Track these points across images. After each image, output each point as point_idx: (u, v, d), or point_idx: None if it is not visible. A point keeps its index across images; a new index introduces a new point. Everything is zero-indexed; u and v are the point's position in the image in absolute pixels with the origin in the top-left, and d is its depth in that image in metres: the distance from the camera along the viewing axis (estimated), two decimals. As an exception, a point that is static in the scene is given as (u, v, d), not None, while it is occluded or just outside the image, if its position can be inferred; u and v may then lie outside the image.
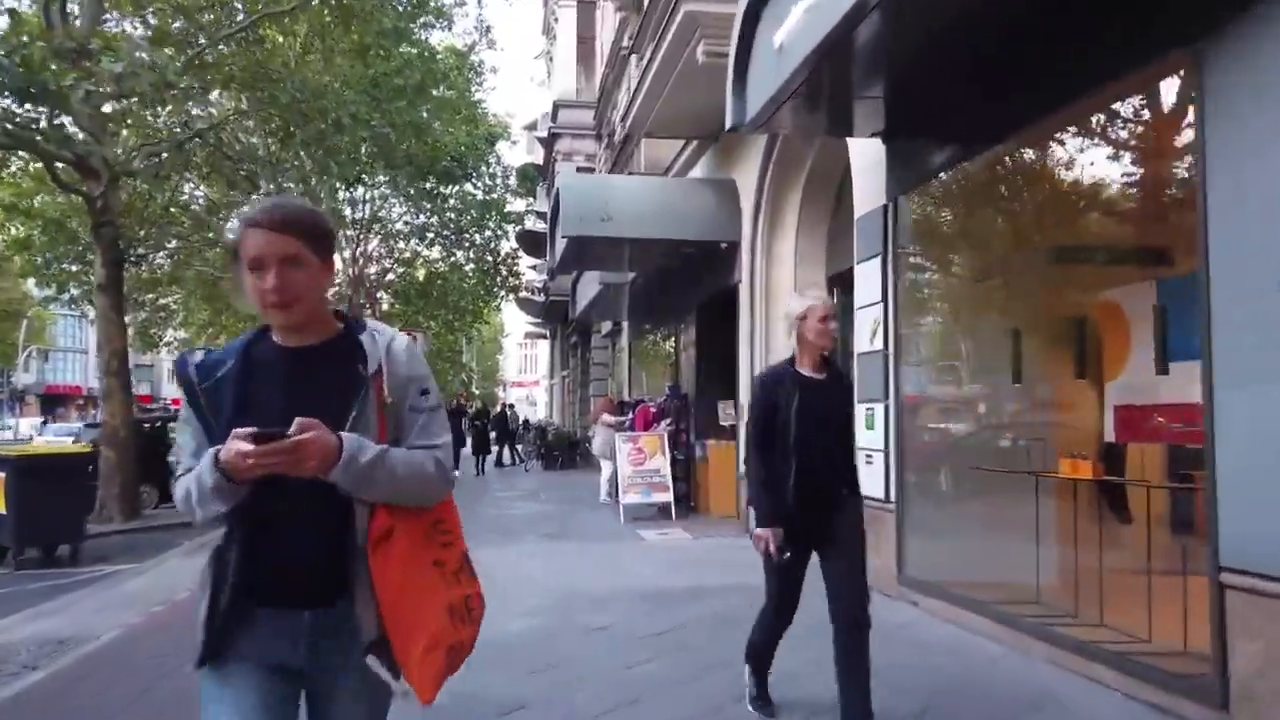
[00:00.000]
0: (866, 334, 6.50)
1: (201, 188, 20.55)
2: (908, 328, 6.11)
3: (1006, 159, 5.53)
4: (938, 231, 6.26)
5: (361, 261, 27.83)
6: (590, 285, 14.97)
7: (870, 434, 6.40)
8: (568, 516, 11.52)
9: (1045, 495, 4.85)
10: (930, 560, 5.89)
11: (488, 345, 66.27)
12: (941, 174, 5.89)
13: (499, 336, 69.06)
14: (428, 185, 19.81)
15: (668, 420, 11.90)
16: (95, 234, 12.07)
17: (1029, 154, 5.38)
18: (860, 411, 6.56)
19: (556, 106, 21.89)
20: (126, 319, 37.75)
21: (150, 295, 29.16)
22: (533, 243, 34.52)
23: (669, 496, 10.73)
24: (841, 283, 9.15)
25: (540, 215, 34.63)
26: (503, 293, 27.25)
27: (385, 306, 33.67)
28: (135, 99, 12.87)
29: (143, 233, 14.85)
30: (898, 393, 6.09)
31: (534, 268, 36.37)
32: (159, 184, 15.36)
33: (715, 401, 11.36)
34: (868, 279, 6.50)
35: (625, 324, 17.20)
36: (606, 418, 12.89)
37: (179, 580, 7.22)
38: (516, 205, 30.98)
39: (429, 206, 23.77)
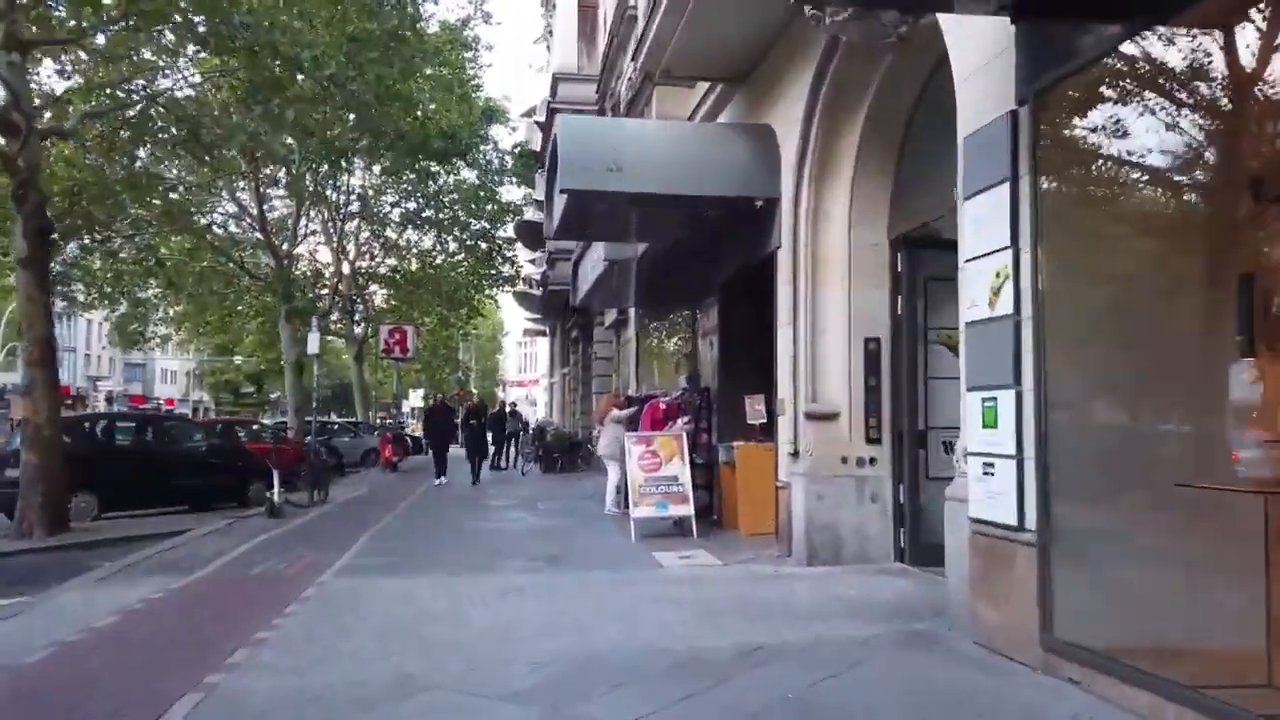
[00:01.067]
0: (981, 294, 4.63)
1: (167, 163, 18.73)
2: (1057, 280, 4.23)
3: (1215, 32, 3.65)
4: (1099, 145, 4.38)
5: (352, 254, 26.07)
6: (593, 268, 13.10)
7: (989, 433, 4.53)
8: (568, 533, 9.65)
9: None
10: (1097, 616, 4.02)
11: (487, 344, 64.53)
12: (1108, 58, 4.02)
13: (498, 335, 67.31)
14: (418, 166, 17.99)
15: (685, 418, 10.02)
16: (15, 200, 10.20)
17: (1258, 21, 3.50)
18: (972, 402, 4.68)
19: (556, 80, 20.02)
20: (103, 315, 35.85)
21: (127, 289, 27.47)
22: (532, 234, 32.76)
23: (689, 509, 8.86)
24: (909, 246, 7.31)
25: (539, 204, 32.87)
26: (500, 282, 25.44)
27: (379, 301, 31.93)
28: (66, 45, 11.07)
29: (77, 204, 12.93)
30: (1041, 375, 4.21)
31: (532, 261, 34.58)
32: (109, 152, 13.57)
33: (741, 396, 9.50)
34: (984, 218, 4.62)
35: (632, 311, 15.33)
36: (616, 414, 11.02)
37: (58, 626, 5.35)
38: (514, 195, 29.29)
39: (420, 192, 21.99)
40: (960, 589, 4.94)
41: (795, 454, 7.56)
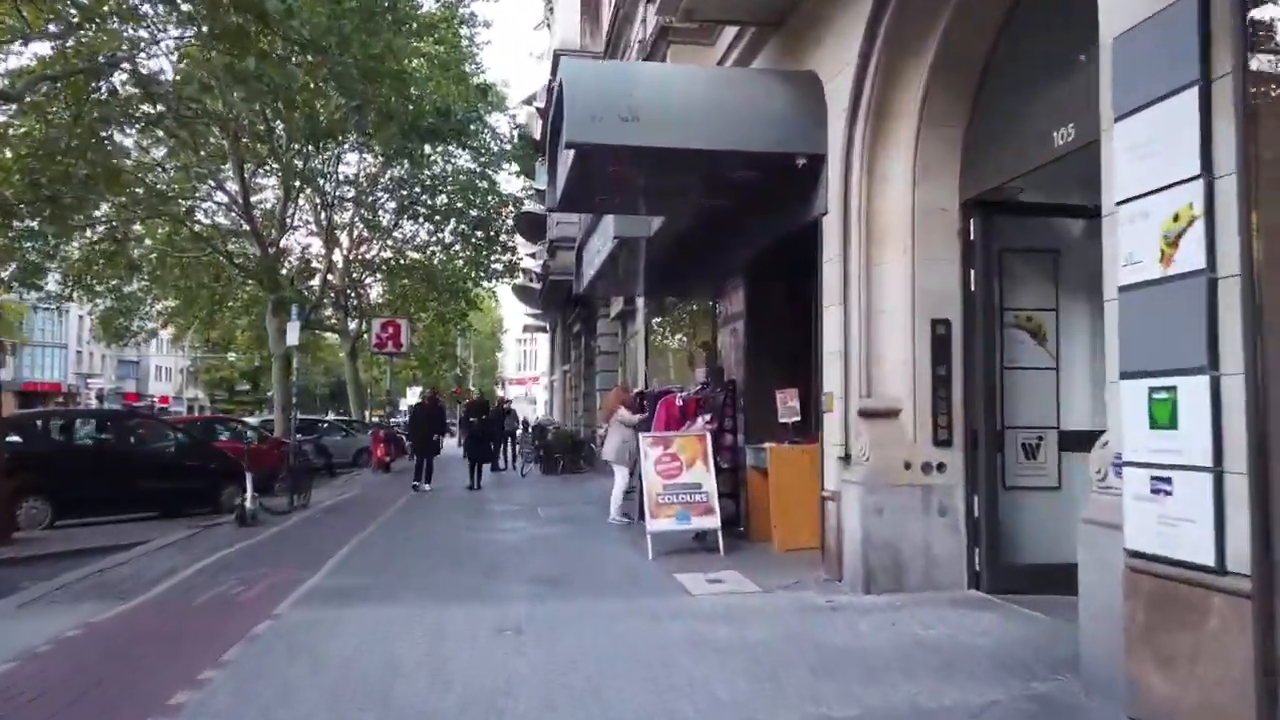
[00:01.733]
0: (1146, 246, 3.38)
1: (144, 144, 17.49)
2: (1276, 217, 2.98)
3: None
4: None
5: (345, 245, 24.80)
6: (599, 251, 11.85)
7: (1163, 436, 3.28)
8: (572, 547, 8.41)
9: None
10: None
11: (486, 341, 63.25)
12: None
13: (497, 332, 66.01)
14: (410, 148, 16.70)
15: (705, 416, 8.77)
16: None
17: None
18: (1130, 393, 3.44)
19: (558, 56, 18.72)
20: (85, 309, 34.29)
21: (113, 281, 26.26)
22: (532, 227, 31.52)
23: (715, 522, 7.61)
24: (984, 211, 6.07)
25: (539, 194, 31.58)
26: (498, 270, 24.21)
27: (375, 295, 30.64)
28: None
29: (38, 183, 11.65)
30: (1256, 355, 2.95)
31: (532, 255, 33.34)
32: (74, 129, 12.28)
33: (771, 390, 8.26)
34: (1153, 141, 3.37)
35: (640, 301, 14.08)
36: (623, 414, 9.77)
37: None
38: (513, 186, 28.01)
39: (415, 179, 20.71)
40: (1103, 641, 3.69)
41: (846, 458, 6.32)
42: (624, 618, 5.40)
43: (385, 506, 11.95)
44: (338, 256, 26.51)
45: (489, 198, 22.04)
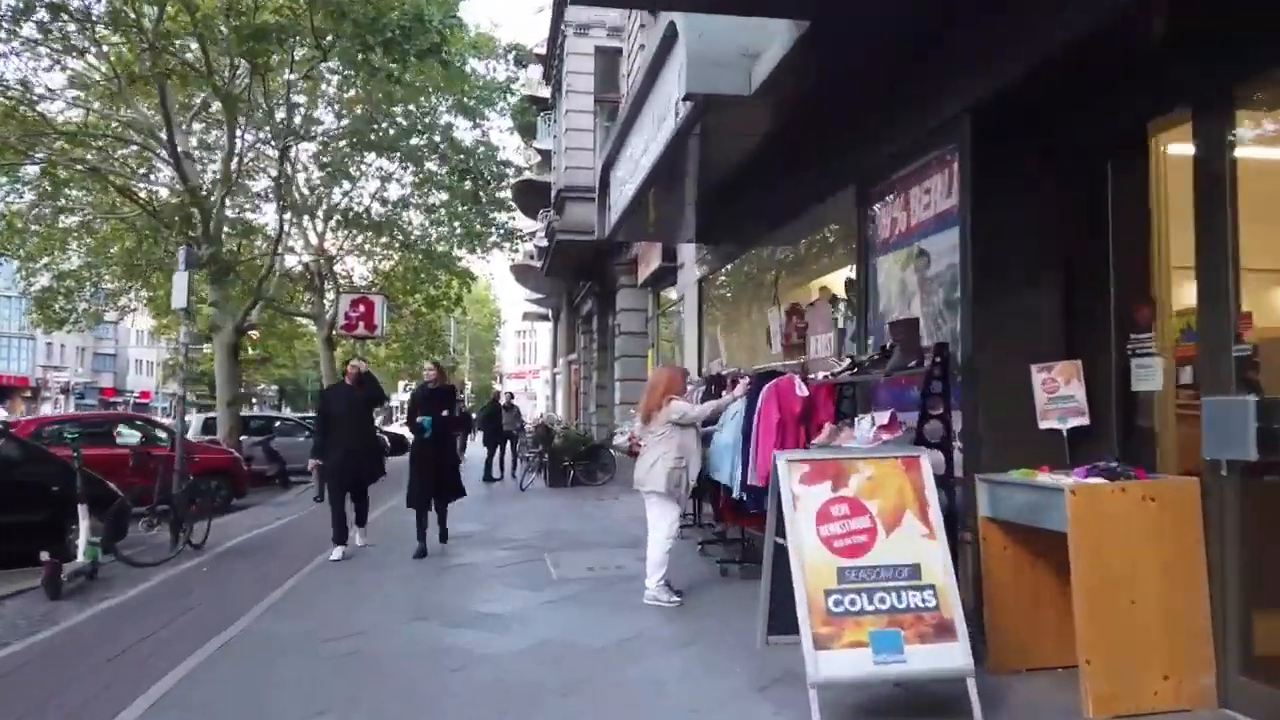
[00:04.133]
0: None
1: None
2: None
3: None
4: None
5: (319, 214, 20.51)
6: (638, 163, 7.55)
7: None
8: (632, 686, 4.11)
9: None
10: None
11: (483, 334, 58.95)
12: None
13: (495, 325, 61.68)
14: (371, 59, 12.39)
15: (874, 418, 4.44)
16: None
17: None
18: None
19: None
20: (16, 290, 29.81)
21: (46, 258, 22.00)
22: (532, 197, 27.23)
23: (959, 656, 3.34)
24: None
25: (543, 154, 27.27)
26: (492, 236, 19.95)
27: (358, 277, 26.20)
28: None
29: None
30: None
31: (532, 235, 29.07)
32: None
33: (1015, 368, 4.05)
34: None
35: (690, 252, 9.76)
36: (680, 408, 5.48)
37: None
38: (510, 150, 23.63)
39: (381, 112, 16.35)
40: None
41: None
42: None
43: (315, 550, 7.67)
44: (313, 234, 22.36)
45: (479, 149, 17.76)
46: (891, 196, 5.07)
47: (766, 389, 5.44)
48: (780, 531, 3.72)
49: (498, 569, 6.99)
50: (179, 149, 14.10)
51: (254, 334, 29.91)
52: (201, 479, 9.01)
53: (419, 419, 7.42)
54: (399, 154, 16.05)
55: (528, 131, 25.72)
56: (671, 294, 11.95)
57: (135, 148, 16.22)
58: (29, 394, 49.60)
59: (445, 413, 7.52)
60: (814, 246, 7.11)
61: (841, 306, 6.02)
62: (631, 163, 7.75)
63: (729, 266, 9.27)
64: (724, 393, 6.44)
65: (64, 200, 18.59)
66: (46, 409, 47.60)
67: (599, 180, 8.76)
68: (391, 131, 15.28)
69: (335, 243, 23.47)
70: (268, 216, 20.48)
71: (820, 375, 5.06)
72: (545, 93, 25.42)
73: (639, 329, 13.76)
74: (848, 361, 4.81)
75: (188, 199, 13.63)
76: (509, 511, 11.13)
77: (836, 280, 6.49)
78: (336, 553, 7.24)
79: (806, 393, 5.31)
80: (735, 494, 5.49)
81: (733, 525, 6.27)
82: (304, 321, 27.43)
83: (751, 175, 6.91)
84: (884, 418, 4.29)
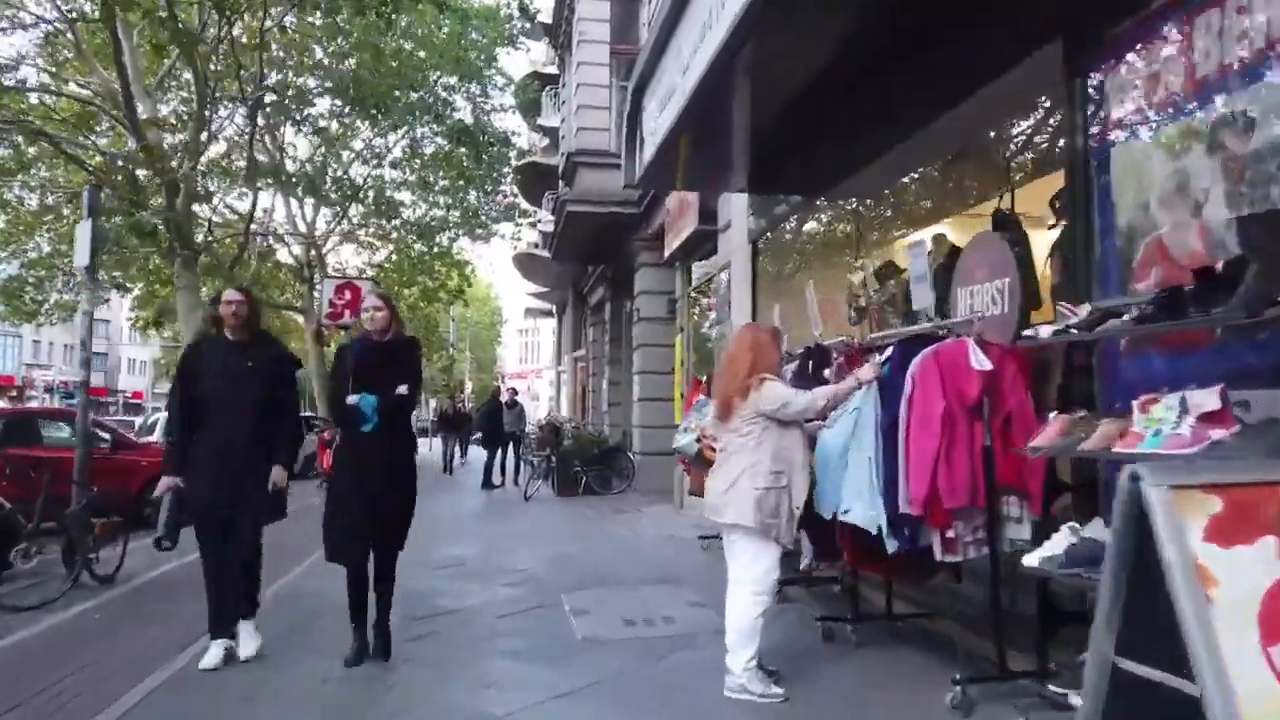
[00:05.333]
0: None
1: None
2: None
3: None
4: None
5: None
6: (673, 98, 5.56)
7: None
8: None
9: None
10: None
11: (484, 333, 56.93)
12: None
13: (496, 324, 59.66)
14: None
15: (1193, 400, 2.45)
16: None
17: None
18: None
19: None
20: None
21: (13, 244, 20.08)
22: (535, 182, 25.24)
23: None
24: None
25: (548, 135, 25.22)
26: (492, 212, 17.99)
27: (353, 268, 24.12)
28: None
29: None
30: None
31: (535, 224, 27.08)
32: None
33: None
34: None
35: (744, 205, 7.72)
36: (778, 394, 3.47)
37: None
38: (511, 133, 21.62)
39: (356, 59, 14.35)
40: None
41: None
42: None
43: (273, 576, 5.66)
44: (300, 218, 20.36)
45: (478, 112, 15.77)
46: (1147, 44, 3.06)
47: (920, 362, 3.43)
48: (1141, 647, 1.67)
49: (498, 620, 4.97)
50: (140, 112, 12.13)
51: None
52: (108, 492, 6.96)
53: (353, 398, 3.92)
54: (385, 114, 13.92)
55: (531, 110, 23.68)
56: (703, 269, 9.93)
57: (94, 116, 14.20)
58: (14, 393, 47.49)
59: (403, 389, 3.98)
60: (954, 168, 5.10)
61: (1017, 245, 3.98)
62: (668, 86, 5.78)
63: (791, 222, 7.26)
64: (826, 373, 4.43)
65: (24, 178, 16.71)
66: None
67: (629, 107, 6.76)
68: (381, 87, 13.22)
69: (326, 229, 21.54)
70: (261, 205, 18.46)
71: (1040, 332, 2.99)
72: (552, 71, 23.47)
73: (663, 313, 11.75)
74: (1085, 311, 2.81)
75: (141, 156, 11.59)
76: (512, 528, 9.14)
77: (983, 212, 4.49)
78: (212, 654, 3.97)
79: (988, 366, 3.30)
80: (878, 529, 3.46)
81: (851, 568, 4.23)
82: (298, 317, 25.31)
83: (835, 86, 4.91)
84: (1206, 398, 2.28)
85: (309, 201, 21.45)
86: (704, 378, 7.76)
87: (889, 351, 3.69)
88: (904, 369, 3.51)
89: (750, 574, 3.47)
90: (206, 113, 13.65)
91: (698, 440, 4.86)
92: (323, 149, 15.91)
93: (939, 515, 3.38)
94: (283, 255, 23.58)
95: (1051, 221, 3.94)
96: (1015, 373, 3.39)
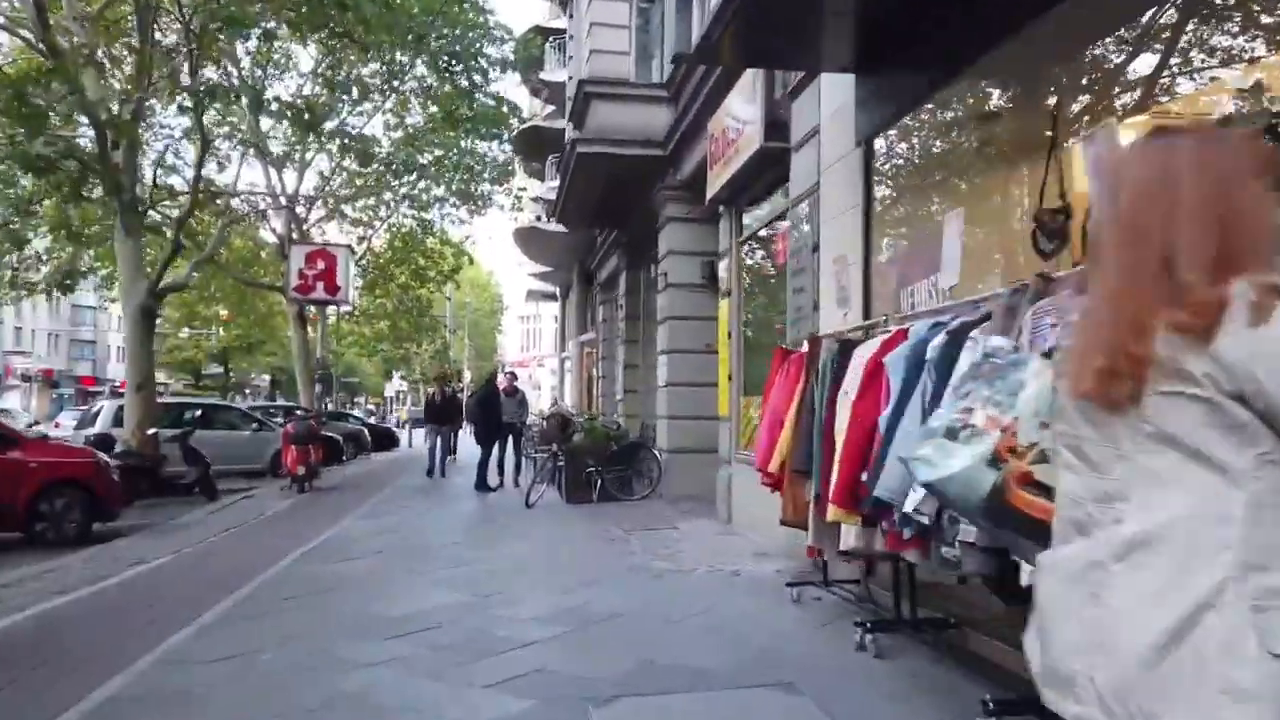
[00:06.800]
0: None
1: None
2: None
3: None
4: None
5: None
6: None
7: None
8: None
9: None
10: None
11: (484, 320, 54.56)
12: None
13: (497, 311, 57.23)
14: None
15: None
16: None
17: None
18: None
19: None
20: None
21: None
22: (536, 148, 22.78)
23: None
24: None
25: (552, 92, 22.73)
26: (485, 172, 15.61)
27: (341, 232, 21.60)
28: None
29: None
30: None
31: (536, 199, 24.66)
32: None
33: None
34: None
35: (846, 94, 5.25)
36: None
37: None
38: (516, 103, 19.11)
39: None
40: None
41: None
42: None
43: (165, 630, 3.33)
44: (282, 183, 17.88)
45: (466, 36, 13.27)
46: None
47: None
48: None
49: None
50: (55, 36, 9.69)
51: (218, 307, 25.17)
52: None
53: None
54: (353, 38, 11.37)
55: (534, 68, 21.14)
56: (762, 211, 7.52)
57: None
58: (-2, 387, 45.08)
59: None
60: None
61: None
62: None
63: (920, 115, 4.87)
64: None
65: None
66: (12, 399, 43.33)
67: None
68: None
69: (307, 202, 19.13)
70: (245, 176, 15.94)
71: None
72: (559, 25, 20.98)
73: (697, 278, 9.36)
74: None
75: (47, 67, 9.14)
76: (509, 552, 6.78)
77: None
78: None
79: None
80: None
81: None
82: (280, 299, 22.77)
83: None
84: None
85: (289, 172, 19.08)
86: (796, 346, 5.22)
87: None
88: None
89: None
90: (149, 46, 11.21)
91: (997, 462, 1.68)
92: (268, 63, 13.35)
93: None
94: (266, 235, 21.19)
95: None
96: None
